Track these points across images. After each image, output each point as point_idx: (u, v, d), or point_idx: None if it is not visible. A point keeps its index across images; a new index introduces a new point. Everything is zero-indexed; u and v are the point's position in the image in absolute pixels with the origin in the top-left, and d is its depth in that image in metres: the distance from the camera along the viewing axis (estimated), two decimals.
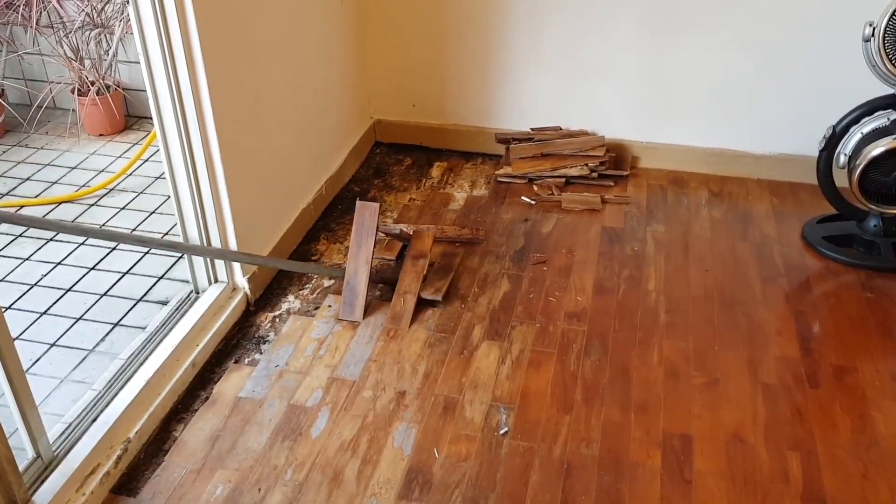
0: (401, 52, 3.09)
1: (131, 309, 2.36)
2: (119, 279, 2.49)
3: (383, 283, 2.40)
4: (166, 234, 2.71)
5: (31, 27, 3.29)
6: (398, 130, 3.25)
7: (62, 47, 3.25)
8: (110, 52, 3.31)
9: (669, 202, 2.84)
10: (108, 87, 3.33)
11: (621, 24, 2.82)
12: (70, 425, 1.81)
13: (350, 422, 1.94)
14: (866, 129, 2.38)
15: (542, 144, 3.00)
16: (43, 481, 1.67)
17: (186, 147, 2.07)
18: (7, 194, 2.95)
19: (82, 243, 2.65)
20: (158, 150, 2.11)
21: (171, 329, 2.12)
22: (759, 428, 1.91)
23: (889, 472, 1.79)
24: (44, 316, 2.34)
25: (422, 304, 2.32)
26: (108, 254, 2.61)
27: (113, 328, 2.29)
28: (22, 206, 2.86)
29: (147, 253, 2.60)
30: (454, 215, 2.78)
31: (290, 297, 2.38)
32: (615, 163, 3.00)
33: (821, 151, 2.49)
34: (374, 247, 2.31)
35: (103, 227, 2.76)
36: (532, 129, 3.10)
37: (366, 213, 2.32)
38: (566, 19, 2.86)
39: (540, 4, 2.85)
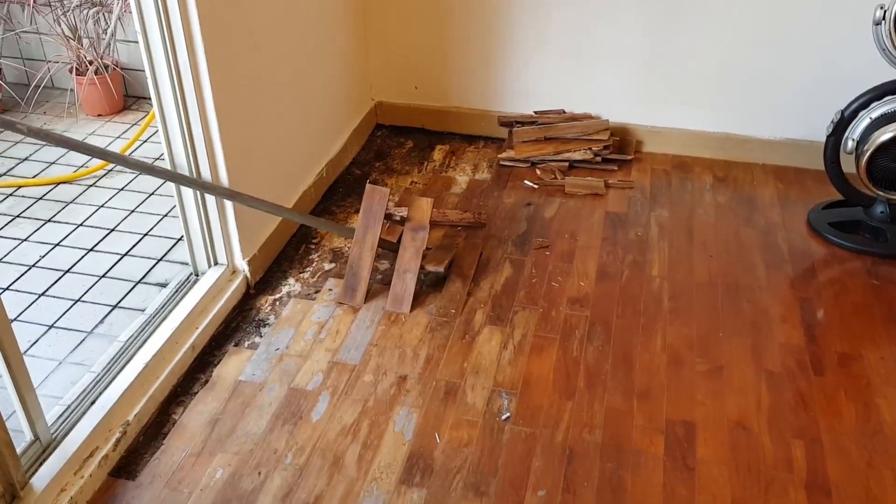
0: (403, 34, 3.05)
1: (130, 291, 2.35)
2: (118, 261, 2.47)
3: (384, 249, 2.36)
4: (165, 215, 2.69)
5: (29, 5, 3.25)
6: (400, 113, 3.22)
7: (60, 26, 3.21)
8: (109, 32, 3.27)
9: (673, 187, 2.81)
10: (106, 66, 3.29)
11: (627, 5, 2.79)
12: (68, 408, 1.80)
13: (351, 406, 1.93)
14: (875, 114, 2.35)
15: (545, 128, 2.97)
16: (41, 464, 1.66)
17: (185, 128, 2.04)
18: (5, 174, 2.92)
19: (80, 224, 2.63)
20: (157, 131, 2.09)
21: (171, 312, 2.10)
22: (763, 415, 1.89)
23: (893, 461, 1.77)
24: (42, 297, 2.32)
25: (423, 288, 2.30)
26: (106, 235, 2.59)
27: (112, 310, 2.27)
28: (20, 187, 2.84)
29: (145, 235, 2.58)
30: (456, 199, 2.76)
31: (291, 281, 2.36)
32: (619, 147, 2.97)
33: (828, 136, 2.46)
34: (381, 232, 2.28)
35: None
36: (535, 113, 3.06)
37: (375, 198, 2.29)
38: (571, 1, 2.82)
39: None
